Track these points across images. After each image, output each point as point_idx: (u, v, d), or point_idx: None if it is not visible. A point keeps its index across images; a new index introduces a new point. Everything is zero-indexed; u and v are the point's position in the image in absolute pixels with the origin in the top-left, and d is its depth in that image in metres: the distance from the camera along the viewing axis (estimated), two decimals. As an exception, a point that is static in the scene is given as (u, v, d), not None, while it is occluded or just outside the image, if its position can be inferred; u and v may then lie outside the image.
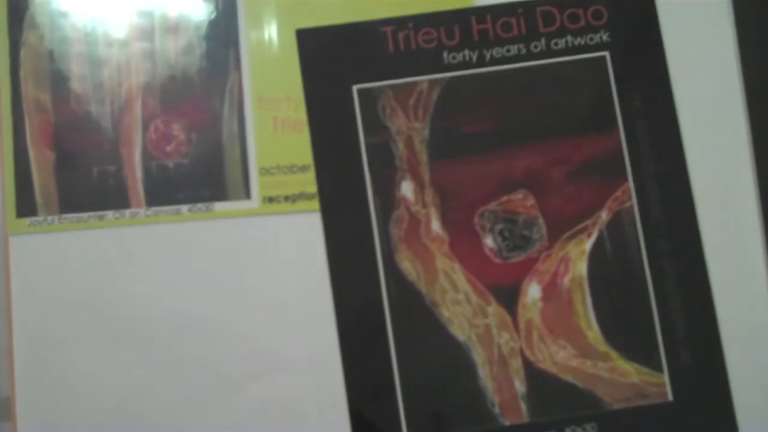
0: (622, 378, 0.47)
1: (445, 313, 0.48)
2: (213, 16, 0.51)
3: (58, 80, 0.50)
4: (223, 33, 0.50)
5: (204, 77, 0.50)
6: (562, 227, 0.49)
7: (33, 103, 0.50)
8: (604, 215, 0.49)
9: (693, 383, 0.47)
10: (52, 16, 0.51)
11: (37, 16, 0.50)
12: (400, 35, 0.50)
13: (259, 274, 0.48)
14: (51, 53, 0.50)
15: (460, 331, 0.48)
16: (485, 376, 0.47)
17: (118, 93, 0.50)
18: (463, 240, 0.49)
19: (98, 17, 0.51)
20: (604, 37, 0.50)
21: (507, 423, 0.47)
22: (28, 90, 0.50)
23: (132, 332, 0.48)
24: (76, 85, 0.50)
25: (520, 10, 0.50)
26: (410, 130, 0.49)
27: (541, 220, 0.49)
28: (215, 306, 0.48)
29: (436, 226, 0.49)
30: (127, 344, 0.48)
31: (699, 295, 0.48)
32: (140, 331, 0.48)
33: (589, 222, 0.49)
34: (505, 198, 0.49)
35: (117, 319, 0.48)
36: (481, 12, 0.50)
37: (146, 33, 0.51)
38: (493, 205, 0.49)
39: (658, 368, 0.47)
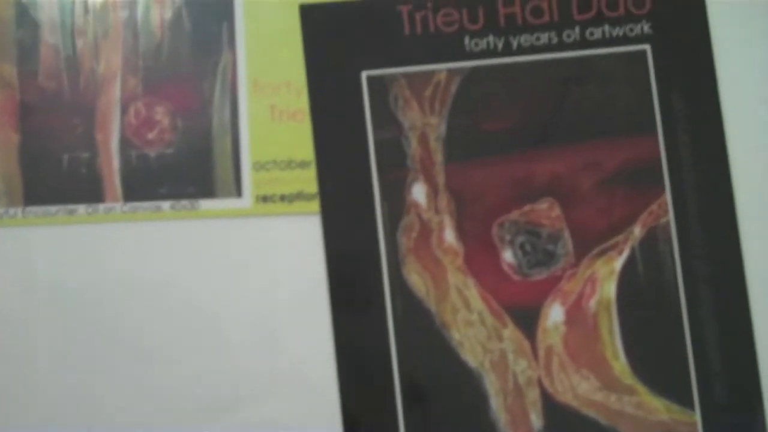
0: (650, 415, 0.43)
1: (456, 335, 0.43)
2: (205, -16, 0.45)
3: (25, 51, 0.45)
4: (215, 5, 0.45)
5: (193, 55, 0.45)
6: (590, 243, 0.44)
7: (-4, 75, 0.45)
8: (637, 231, 0.44)
9: (728, 423, 0.43)
10: (21, -25, 0.45)
11: (3, -25, 0.45)
12: (418, 16, 0.45)
13: (249, 283, 0.44)
14: (17, 18, 0.45)
15: (472, 356, 0.43)
16: (498, 408, 0.43)
17: (94, 69, 0.45)
18: (479, 253, 0.44)
19: (73, -21, 0.45)
20: (646, 29, 0.45)
21: (520, 460, 0.43)
22: (-10, 59, 0.45)
23: (103, 339, 0.43)
24: (45, 58, 0.45)
25: (553, -7, 0.45)
26: (425, 125, 0.44)
27: (567, 234, 0.44)
28: (199, 317, 0.43)
29: (449, 236, 0.44)
30: (97, 350, 0.43)
31: (738, 326, 0.43)
32: (112, 339, 0.43)
33: (620, 238, 0.44)
34: (528, 207, 0.44)
35: (86, 325, 0.44)
36: (509, -7, 0.45)
37: (128, 0, 0.45)
38: (514, 215, 0.44)
39: (690, 405, 0.43)
